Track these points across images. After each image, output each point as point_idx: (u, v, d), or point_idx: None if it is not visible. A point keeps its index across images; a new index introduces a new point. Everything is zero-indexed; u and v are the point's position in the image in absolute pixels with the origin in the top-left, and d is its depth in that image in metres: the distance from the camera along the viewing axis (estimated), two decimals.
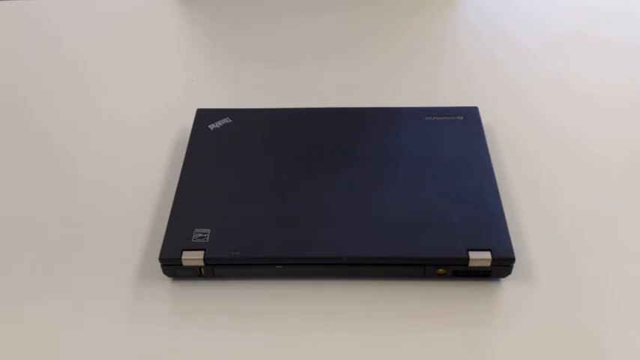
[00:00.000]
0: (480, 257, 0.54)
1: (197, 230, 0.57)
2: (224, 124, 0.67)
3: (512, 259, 0.55)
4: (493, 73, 0.79)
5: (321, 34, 0.87)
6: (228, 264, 0.56)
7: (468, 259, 0.54)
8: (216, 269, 0.56)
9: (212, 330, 0.54)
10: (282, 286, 0.56)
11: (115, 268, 0.58)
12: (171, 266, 0.56)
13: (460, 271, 0.55)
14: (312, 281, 0.57)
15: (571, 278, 0.56)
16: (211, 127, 0.67)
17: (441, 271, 0.55)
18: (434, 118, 0.67)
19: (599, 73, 0.78)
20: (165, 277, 0.57)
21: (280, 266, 0.56)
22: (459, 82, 0.78)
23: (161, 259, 0.56)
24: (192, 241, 0.56)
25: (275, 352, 0.52)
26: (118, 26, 0.90)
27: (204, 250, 0.55)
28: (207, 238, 0.56)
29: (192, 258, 0.55)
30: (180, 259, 0.55)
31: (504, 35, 0.86)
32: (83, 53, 0.85)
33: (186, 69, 0.83)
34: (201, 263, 0.55)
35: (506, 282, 0.56)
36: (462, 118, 0.67)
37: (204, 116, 0.69)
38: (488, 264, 0.54)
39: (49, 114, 0.75)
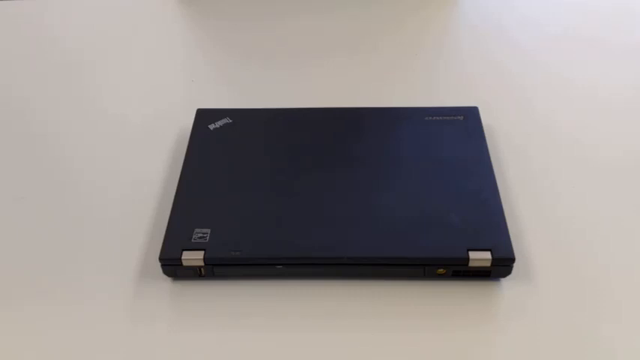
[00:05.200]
0: (480, 257, 0.54)
1: (197, 230, 0.57)
2: (224, 124, 0.67)
3: (512, 259, 0.55)
4: (493, 73, 0.79)
5: (321, 34, 0.87)
6: (229, 264, 0.56)
7: (467, 259, 0.54)
8: (216, 269, 0.56)
9: (212, 330, 0.54)
10: (283, 286, 0.56)
11: (115, 268, 0.58)
12: (171, 266, 0.56)
13: (460, 271, 0.55)
14: (312, 281, 0.57)
15: (571, 278, 0.56)
16: (211, 127, 0.67)
17: (440, 271, 0.55)
18: (434, 118, 0.67)
19: (599, 73, 0.78)
20: (166, 277, 0.57)
21: (280, 266, 0.56)
22: (459, 82, 0.78)
23: (161, 259, 0.56)
24: (192, 241, 0.56)
25: (275, 352, 0.52)
26: (118, 26, 0.90)
27: (204, 250, 0.55)
28: (207, 238, 0.56)
29: (192, 258, 0.55)
30: (180, 259, 0.55)
31: (504, 35, 0.86)
32: (83, 53, 0.85)
33: (186, 69, 0.83)
34: (201, 263, 0.55)
35: (506, 282, 0.56)
36: (461, 118, 0.67)
37: (204, 116, 0.69)
38: (489, 264, 0.54)
39: (49, 114, 0.75)
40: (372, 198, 0.59)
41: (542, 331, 0.53)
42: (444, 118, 0.67)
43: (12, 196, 0.66)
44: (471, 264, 0.54)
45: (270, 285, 0.57)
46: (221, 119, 0.68)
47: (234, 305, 0.55)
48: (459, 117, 0.67)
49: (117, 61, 0.83)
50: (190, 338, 0.53)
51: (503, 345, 0.53)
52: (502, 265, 0.55)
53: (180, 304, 0.56)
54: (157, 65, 0.83)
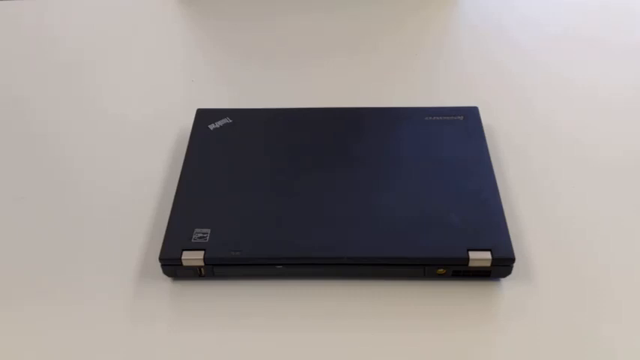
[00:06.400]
0: (480, 257, 0.54)
1: (197, 230, 0.57)
2: (224, 124, 0.67)
3: (512, 259, 0.55)
4: (493, 73, 0.79)
5: (321, 34, 0.87)
6: (229, 264, 0.56)
7: (467, 259, 0.54)
8: (216, 269, 0.56)
9: (212, 330, 0.54)
10: (283, 286, 0.56)
11: (115, 268, 0.58)
12: (171, 266, 0.56)
13: (460, 271, 0.55)
14: (312, 281, 0.57)
15: (571, 278, 0.56)
16: (211, 127, 0.67)
17: (440, 271, 0.55)
18: (434, 118, 0.67)
19: (599, 73, 0.78)
20: (166, 277, 0.57)
21: (281, 266, 0.56)
22: (459, 82, 0.78)
23: (161, 259, 0.56)
24: (192, 241, 0.56)
25: (275, 352, 0.52)
26: (118, 26, 0.90)
27: (204, 250, 0.55)
28: (207, 238, 0.56)
29: (192, 258, 0.55)
30: (180, 259, 0.55)
31: (504, 35, 0.86)
32: (83, 53, 0.85)
33: (186, 69, 0.83)
34: (201, 263, 0.55)
35: (506, 282, 0.56)
36: (461, 118, 0.67)
37: (204, 116, 0.69)
38: (488, 264, 0.54)
39: (49, 114, 0.75)
40: (372, 198, 0.59)
41: (542, 331, 0.53)
42: (444, 118, 0.67)
43: (12, 196, 0.66)
44: (471, 264, 0.54)
45: (270, 285, 0.57)
46: (221, 119, 0.68)
47: (234, 305, 0.55)
48: (458, 117, 0.67)
49: (117, 61, 0.83)
50: (190, 338, 0.53)
51: (503, 345, 0.53)
52: (502, 265, 0.55)
53: (180, 304, 0.56)
54: (157, 65, 0.83)
